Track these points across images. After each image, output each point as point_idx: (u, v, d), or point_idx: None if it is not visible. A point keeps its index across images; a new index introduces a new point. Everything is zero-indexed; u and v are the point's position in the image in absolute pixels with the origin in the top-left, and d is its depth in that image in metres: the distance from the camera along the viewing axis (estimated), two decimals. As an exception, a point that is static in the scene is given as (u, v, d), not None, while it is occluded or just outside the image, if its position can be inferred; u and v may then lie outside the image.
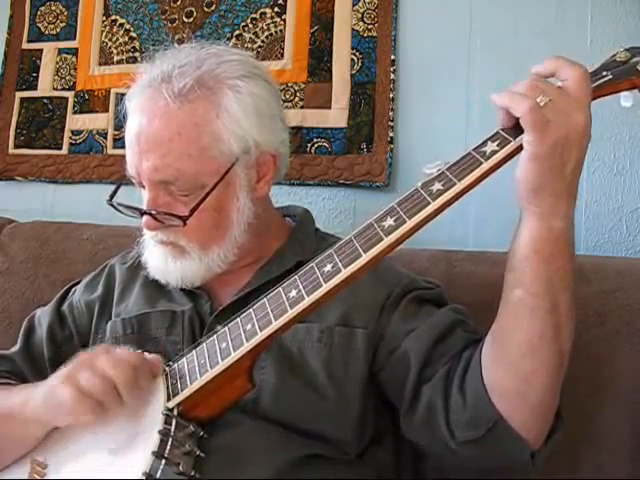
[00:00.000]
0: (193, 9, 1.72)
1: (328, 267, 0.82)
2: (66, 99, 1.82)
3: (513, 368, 0.84)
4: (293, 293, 0.84)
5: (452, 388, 0.91)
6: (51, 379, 0.91)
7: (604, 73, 0.82)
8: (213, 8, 1.70)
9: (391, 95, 1.53)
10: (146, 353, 0.94)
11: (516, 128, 0.78)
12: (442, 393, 0.92)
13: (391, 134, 1.53)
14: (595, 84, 0.81)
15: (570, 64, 0.79)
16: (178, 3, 1.73)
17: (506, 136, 0.79)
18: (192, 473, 0.84)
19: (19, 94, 1.87)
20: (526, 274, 0.81)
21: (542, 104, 0.75)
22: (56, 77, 1.84)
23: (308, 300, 0.82)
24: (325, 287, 0.81)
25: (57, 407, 0.87)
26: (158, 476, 0.81)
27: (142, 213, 1.00)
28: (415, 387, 0.95)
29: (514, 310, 0.83)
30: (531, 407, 0.86)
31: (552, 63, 0.80)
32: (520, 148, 0.78)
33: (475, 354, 0.90)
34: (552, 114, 0.76)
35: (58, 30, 1.85)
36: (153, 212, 0.99)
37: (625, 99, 0.83)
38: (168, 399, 0.87)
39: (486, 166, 0.78)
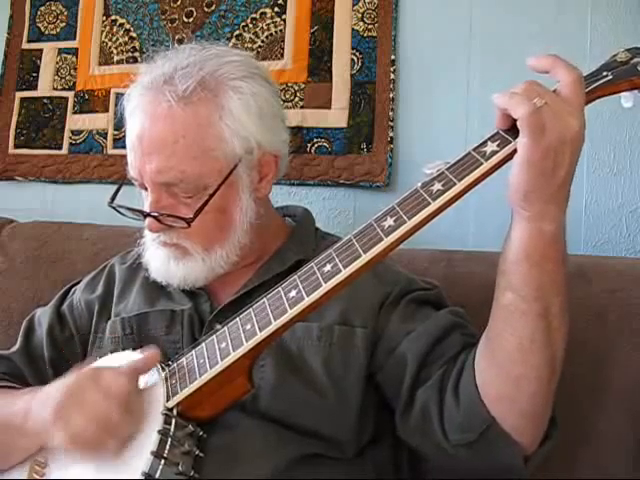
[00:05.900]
0: (193, 9, 1.72)
1: (328, 267, 0.82)
2: (66, 99, 1.82)
3: (503, 371, 0.84)
4: (293, 293, 0.84)
5: (446, 391, 0.91)
6: (47, 401, 0.88)
7: (604, 73, 0.82)
8: (213, 8, 1.69)
9: (391, 95, 1.53)
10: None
11: (514, 129, 0.77)
12: (437, 397, 0.92)
13: (391, 134, 1.53)
14: (595, 84, 0.81)
15: (566, 67, 0.78)
16: (178, 3, 1.73)
17: (506, 136, 0.79)
18: (191, 473, 0.84)
19: (19, 94, 1.87)
20: (516, 277, 0.80)
21: (538, 105, 0.75)
22: (56, 77, 1.84)
23: (308, 300, 0.82)
24: (325, 287, 0.81)
25: (53, 439, 0.87)
26: (157, 476, 0.82)
27: (145, 215, 1.00)
28: (411, 390, 0.95)
29: (505, 313, 0.83)
30: (521, 412, 0.85)
31: (549, 61, 0.79)
32: None
33: (470, 357, 0.90)
34: (548, 118, 0.75)
35: (58, 30, 1.85)
36: (156, 214, 0.99)
37: (626, 99, 0.83)
38: (167, 399, 0.87)
39: (486, 166, 0.78)
